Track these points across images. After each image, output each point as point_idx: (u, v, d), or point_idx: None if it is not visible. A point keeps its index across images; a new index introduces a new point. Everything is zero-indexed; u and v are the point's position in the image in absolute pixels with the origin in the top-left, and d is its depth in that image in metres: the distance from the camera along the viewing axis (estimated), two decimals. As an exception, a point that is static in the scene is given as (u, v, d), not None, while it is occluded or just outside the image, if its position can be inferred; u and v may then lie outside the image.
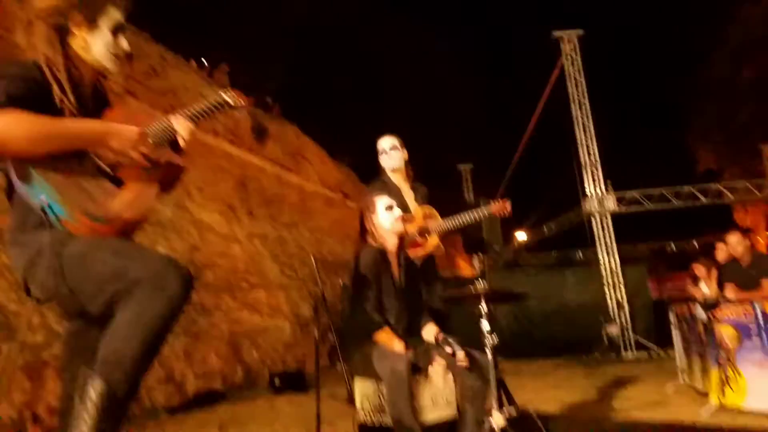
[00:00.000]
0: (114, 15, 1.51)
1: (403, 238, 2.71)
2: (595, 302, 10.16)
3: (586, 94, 11.21)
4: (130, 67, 7.50)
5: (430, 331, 2.59)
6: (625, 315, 9.76)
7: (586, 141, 11.04)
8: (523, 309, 10.60)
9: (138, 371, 1.31)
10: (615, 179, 11.07)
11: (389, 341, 2.39)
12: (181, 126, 1.54)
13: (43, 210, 1.33)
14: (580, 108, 11.21)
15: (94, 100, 1.53)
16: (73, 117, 1.40)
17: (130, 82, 7.23)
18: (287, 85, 15.75)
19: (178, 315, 1.34)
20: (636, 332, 9.48)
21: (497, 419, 2.09)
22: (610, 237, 10.50)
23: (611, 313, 9.83)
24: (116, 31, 1.52)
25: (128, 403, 1.32)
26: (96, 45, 1.49)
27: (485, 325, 2.27)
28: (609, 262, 10.31)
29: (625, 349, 9.35)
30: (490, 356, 2.26)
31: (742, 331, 3.94)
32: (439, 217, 3.27)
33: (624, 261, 10.51)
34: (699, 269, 5.97)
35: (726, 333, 3.98)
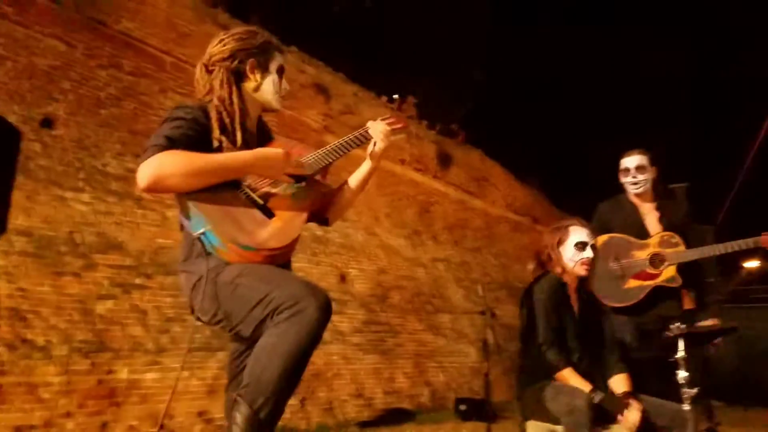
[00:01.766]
0: (279, 59, 1.68)
1: (584, 280, 2.43)
2: None
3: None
4: (328, 105, 8.35)
5: (619, 385, 2.28)
6: None
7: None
8: (750, 348, 9.09)
9: (279, 394, 1.38)
10: None
11: (576, 382, 2.15)
12: (374, 129, 1.68)
13: (199, 239, 1.47)
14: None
15: (259, 135, 1.70)
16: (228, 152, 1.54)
17: (327, 120, 8.04)
18: (473, 111, 15.97)
19: (317, 340, 1.39)
20: None
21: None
22: None
23: None
24: (280, 73, 1.68)
25: (273, 425, 1.40)
26: (266, 86, 1.66)
27: (682, 375, 1.97)
28: None
29: None
30: (689, 410, 1.96)
31: None
32: (683, 245, 2.82)
33: None
34: None
35: None
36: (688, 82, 18.37)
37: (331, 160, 1.66)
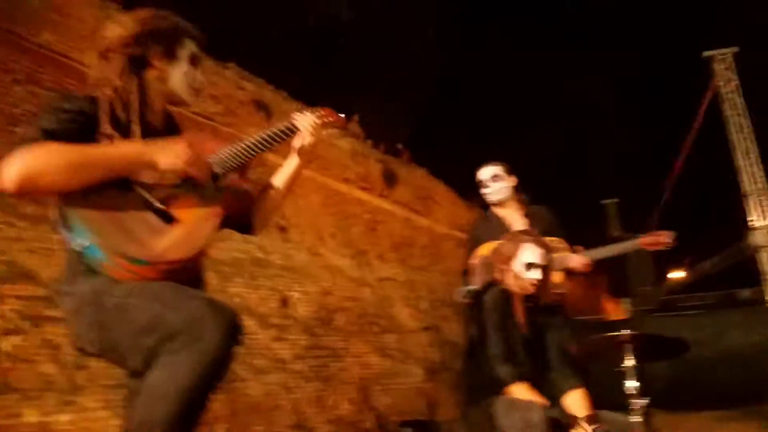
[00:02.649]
0: (190, 47, 1.48)
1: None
2: (765, 346, 8.82)
3: (746, 115, 9.97)
4: (269, 123, 8.14)
5: (575, 404, 2.14)
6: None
7: (750, 167, 9.74)
8: (682, 356, 9.44)
9: None
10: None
11: (527, 396, 2.04)
12: (301, 120, 1.52)
13: (81, 254, 1.22)
14: (741, 130, 9.98)
15: (164, 131, 1.47)
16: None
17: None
18: (418, 131, 16.11)
19: (222, 372, 1.19)
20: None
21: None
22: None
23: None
24: (193, 62, 1.49)
25: None
26: (174, 77, 1.45)
27: (631, 385, 1.90)
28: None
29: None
30: (639, 422, 1.89)
31: None
32: (567, 250, 2.88)
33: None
34: None
35: None
36: (617, 105, 19.29)
37: (249, 157, 1.46)
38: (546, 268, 2.27)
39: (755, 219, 9.45)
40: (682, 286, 15.51)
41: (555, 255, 2.84)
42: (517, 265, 2.26)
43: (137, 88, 1.39)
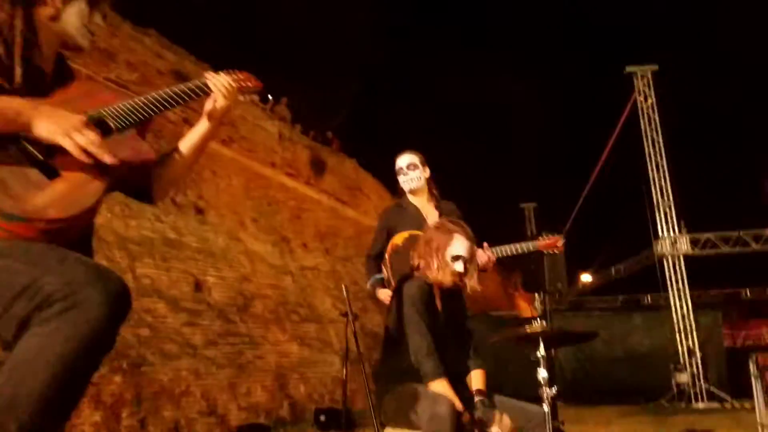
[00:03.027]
0: None
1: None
2: (663, 348, 9.58)
3: (659, 131, 10.70)
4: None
5: (475, 381, 2.22)
6: (696, 362, 9.05)
7: (660, 180, 10.46)
8: (587, 353, 10.07)
9: (42, 420, 0.98)
10: (690, 220, 10.39)
11: (447, 395, 2.00)
12: (215, 80, 1.34)
13: None
14: (653, 145, 10.69)
15: (55, 76, 1.31)
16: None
17: (188, 111, 7.45)
18: (348, 120, 16.04)
19: (104, 345, 1.05)
20: (708, 381, 8.75)
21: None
22: (682, 280, 9.77)
23: (681, 360, 9.14)
24: (93, 4, 1.33)
25: None
26: (70, 16, 1.28)
27: (542, 374, 1.95)
28: (681, 306, 9.57)
29: (696, 398, 8.65)
30: (547, 409, 1.93)
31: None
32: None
33: (697, 306, 9.84)
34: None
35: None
36: (541, 108, 20.14)
37: (150, 114, 1.30)
38: (469, 261, 2.28)
39: (662, 229, 10.12)
40: (592, 288, 16.47)
41: None
42: (447, 255, 2.23)
43: (23, 24, 1.21)
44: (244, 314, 7.49)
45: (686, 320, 9.44)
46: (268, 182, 9.64)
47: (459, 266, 2.25)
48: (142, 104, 1.29)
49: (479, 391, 2.15)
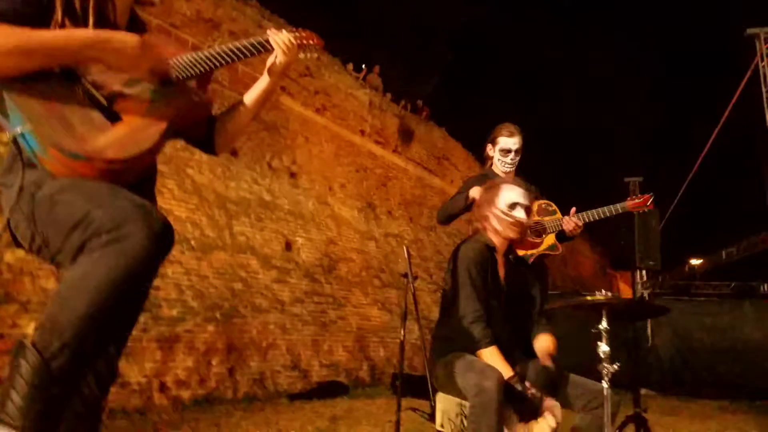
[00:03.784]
0: None
1: (515, 242, 2.26)
2: None
3: (784, 98, 9.54)
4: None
5: (541, 345, 2.14)
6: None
7: (782, 153, 9.38)
8: (687, 342, 9.42)
9: (82, 342, 1.07)
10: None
11: (497, 364, 1.96)
12: (277, 38, 1.38)
13: (15, 143, 1.15)
14: (777, 113, 9.57)
15: (128, 29, 1.35)
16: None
17: (285, 80, 7.68)
18: (439, 88, 15.80)
19: (144, 276, 1.13)
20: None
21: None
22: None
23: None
24: None
25: (71, 383, 1.11)
26: None
27: (603, 348, 1.86)
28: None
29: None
30: (606, 386, 1.85)
31: None
32: (559, 213, 2.84)
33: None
34: None
35: None
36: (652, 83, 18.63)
37: (212, 66, 1.35)
38: (529, 209, 2.21)
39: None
40: (701, 273, 15.31)
41: (547, 218, 2.85)
42: (501, 204, 2.17)
43: None
44: (329, 275, 7.76)
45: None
46: (358, 149, 9.79)
47: (519, 213, 2.17)
48: (204, 57, 1.34)
49: (547, 356, 2.08)
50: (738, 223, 12.13)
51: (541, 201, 2.91)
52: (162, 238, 1.11)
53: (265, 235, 6.79)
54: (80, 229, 1.09)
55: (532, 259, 2.78)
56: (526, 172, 3.05)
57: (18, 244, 1.26)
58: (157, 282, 5.13)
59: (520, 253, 2.56)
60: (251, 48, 1.39)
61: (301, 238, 7.43)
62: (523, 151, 2.99)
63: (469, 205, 2.75)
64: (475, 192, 2.70)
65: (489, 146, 3.00)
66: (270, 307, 6.47)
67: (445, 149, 13.20)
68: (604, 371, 1.83)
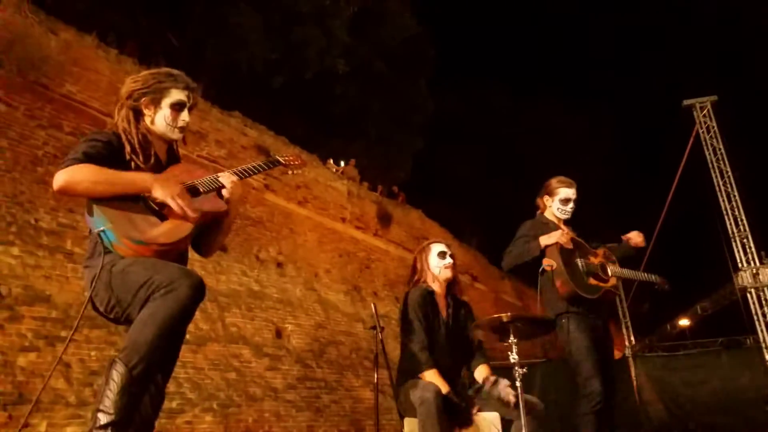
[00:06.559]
0: (175, 96, 1.99)
1: (451, 285, 2.85)
2: (757, 388, 9.00)
3: (726, 162, 10.47)
4: (287, 174, 8.70)
5: (480, 373, 2.66)
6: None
7: (733, 210, 10.16)
8: (674, 398, 9.65)
9: (152, 356, 1.61)
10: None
11: (435, 381, 2.46)
12: (226, 179, 2.00)
13: (99, 236, 1.74)
14: (722, 176, 10.46)
15: (168, 160, 2.03)
16: (137, 171, 1.86)
17: (269, 179, 8.37)
18: (412, 174, 16.74)
19: (190, 313, 1.68)
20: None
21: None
22: (768, 314, 9.29)
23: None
24: (176, 108, 1.99)
25: (144, 384, 1.64)
26: (158, 120, 1.98)
27: (513, 357, 2.30)
28: (770, 341, 9.06)
29: (797, 440, 7.99)
30: (519, 385, 2.27)
31: None
32: (618, 263, 3.29)
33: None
34: None
35: None
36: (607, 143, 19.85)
37: (217, 186, 1.98)
38: (453, 256, 2.84)
39: (741, 261, 9.79)
40: (684, 331, 15.68)
41: (611, 264, 3.22)
42: (433, 255, 2.83)
43: (135, 129, 1.94)
44: (320, 359, 8.02)
45: (777, 356, 8.95)
46: (340, 236, 10.35)
47: (447, 259, 2.81)
48: (214, 178, 2.00)
49: (491, 375, 2.58)
50: (704, 280, 12.69)
51: (605, 248, 3.33)
52: (200, 287, 1.69)
53: (256, 324, 7.14)
54: (145, 287, 1.67)
55: (602, 291, 3.10)
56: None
57: (95, 309, 1.82)
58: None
59: (594, 283, 3.02)
60: (257, 168, 2.08)
61: (290, 325, 7.77)
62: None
63: (543, 251, 3.06)
64: (544, 240, 3.05)
65: (546, 197, 3.37)
66: (264, 395, 6.69)
67: (423, 229, 13.84)
68: (516, 374, 2.25)
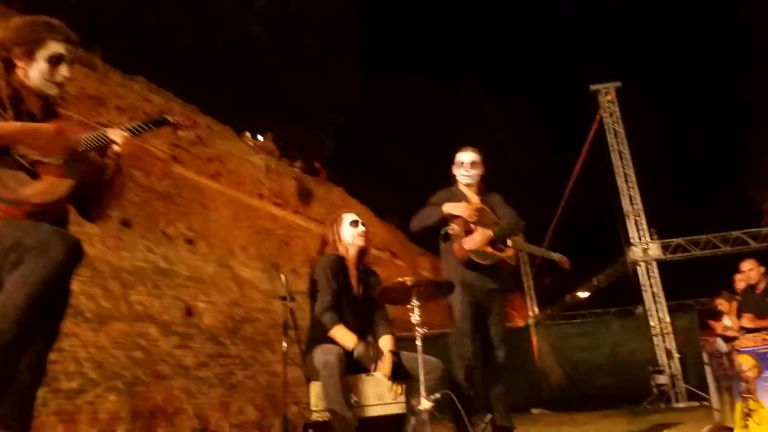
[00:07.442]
0: (53, 48, 1.82)
1: (363, 253, 2.88)
2: (643, 352, 9.92)
3: (626, 144, 11.23)
4: (176, 135, 8.30)
5: (384, 343, 2.72)
6: (674, 364, 9.40)
7: (628, 190, 10.93)
8: (572, 362, 10.39)
9: (23, 320, 1.54)
10: (663, 230, 10.85)
11: (342, 337, 2.53)
12: (117, 135, 1.86)
13: None
14: (621, 158, 11.20)
15: (44, 118, 1.84)
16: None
17: (177, 150, 7.99)
18: (334, 151, 16.65)
19: (65, 276, 1.62)
20: (689, 382, 9.03)
21: (424, 404, 2.21)
22: (657, 285, 10.16)
23: (660, 363, 9.48)
24: (53, 61, 1.82)
25: (17, 351, 1.58)
26: (32, 73, 1.81)
27: (415, 318, 2.41)
28: (657, 310, 9.95)
29: (676, 399, 8.94)
30: (419, 345, 2.37)
31: (761, 360, 3.77)
32: (521, 236, 3.45)
33: (672, 309, 10.18)
34: (722, 303, 5.75)
35: (745, 363, 3.82)
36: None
37: (106, 142, 1.84)
38: (364, 224, 2.86)
39: (634, 237, 10.56)
40: (582, 302, 16.87)
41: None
42: (345, 223, 2.84)
43: (4, 82, 1.78)
44: (234, 337, 7.87)
45: (662, 323, 9.81)
46: (257, 212, 10.12)
47: (360, 228, 2.83)
48: (101, 134, 1.85)
49: (389, 353, 2.64)
50: (601, 254, 13.65)
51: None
52: (76, 250, 1.61)
53: (164, 302, 6.86)
54: (14, 249, 1.57)
55: (496, 259, 3.24)
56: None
57: None
58: (53, 356, 5.05)
59: (489, 251, 3.13)
60: (143, 127, 1.94)
61: (202, 303, 7.54)
62: (486, 168, 3.44)
63: (444, 220, 3.18)
64: (448, 208, 3.16)
65: (453, 167, 3.47)
66: (173, 373, 6.48)
67: (345, 206, 13.80)
68: (416, 334, 2.36)
